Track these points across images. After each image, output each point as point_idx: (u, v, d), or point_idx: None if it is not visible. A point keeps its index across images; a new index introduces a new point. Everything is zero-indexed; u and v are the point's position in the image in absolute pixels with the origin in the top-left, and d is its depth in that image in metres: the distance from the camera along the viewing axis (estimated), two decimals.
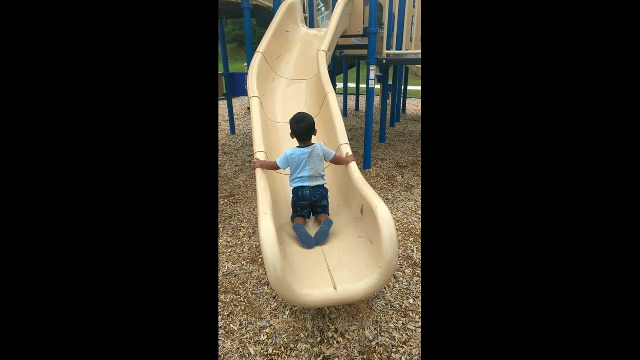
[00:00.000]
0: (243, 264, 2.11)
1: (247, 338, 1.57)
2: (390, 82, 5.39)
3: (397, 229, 2.43)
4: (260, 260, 2.14)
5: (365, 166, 3.68)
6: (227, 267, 2.09)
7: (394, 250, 1.45)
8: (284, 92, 2.83)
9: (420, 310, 1.72)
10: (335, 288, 1.45)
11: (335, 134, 2.21)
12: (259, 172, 1.86)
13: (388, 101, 5.53)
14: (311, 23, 4.18)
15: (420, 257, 2.15)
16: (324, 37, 2.74)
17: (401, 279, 1.95)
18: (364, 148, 3.71)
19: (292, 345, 1.52)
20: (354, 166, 1.95)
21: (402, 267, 2.05)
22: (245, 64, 3.51)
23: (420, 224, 2.55)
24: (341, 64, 5.77)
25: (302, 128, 1.93)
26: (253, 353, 1.49)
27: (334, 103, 2.35)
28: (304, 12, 4.10)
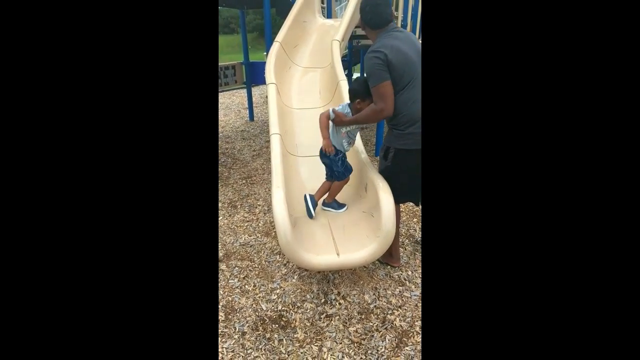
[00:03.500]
0: (258, 236, 2.32)
1: (260, 297, 1.78)
2: None
3: (403, 210, 2.59)
4: (273, 233, 2.34)
5: (376, 153, 3.81)
6: (243, 238, 2.30)
7: (392, 222, 1.62)
8: (300, 80, 2.99)
9: (417, 281, 1.88)
10: (338, 254, 1.63)
11: None
12: (274, 152, 2.04)
13: None
14: (328, 14, 4.30)
15: (420, 236, 2.30)
16: (339, 28, 2.88)
17: (402, 254, 2.11)
18: (376, 136, 3.84)
19: (298, 304, 1.72)
20: (360, 147, 2.11)
21: (403, 244, 2.21)
22: (265, 53, 3.68)
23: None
24: (359, 53, 5.86)
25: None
26: (264, 308, 1.70)
27: (346, 91, 2.50)
28: (322, 3, 4.22)
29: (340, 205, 2.02)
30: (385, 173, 1.81)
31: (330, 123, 1.88)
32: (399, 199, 1.77)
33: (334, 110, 1.84)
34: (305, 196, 1.96)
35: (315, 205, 1.95)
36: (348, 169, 1.97)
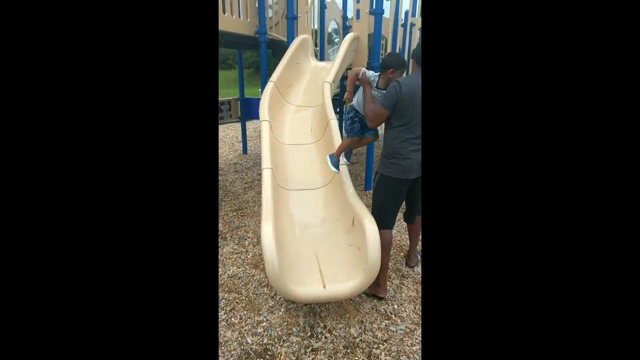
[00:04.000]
0: (246, 268, 2.34)
1: (245, 330, 1.78)
2: None
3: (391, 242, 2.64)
4: (262, 265, 2.36)
5: (366, 187, 3.92)
6: (232, 270, 2.31)
7: (377, 256, 1.67)
8: (293, 117, 3.13)
9: (402, 314, 1.90)
10: (324, 287, 1.67)
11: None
12: (265, 186, 2.11)
13: None
14: (322, 56, 4.56)
15: (406, 270, 2.35)
16: (330, 70, 3.07)
17: (389, 287, 2.14)
18: (366, 171, 3.96)
19: (284, 338, 1.72)
20: (348, 182, 2.20)
21: (390, 278, 2.25)
22: (260, 90, 3.86)
23: None
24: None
25: None
26: (250, 342, 1.70)
27: (336, 129, 2.63)
28: (315, 46, 4.49)
29: (335, 164, 2.14)
30: (374, 194, 2.04)
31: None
32: (382, 219, 1.92)
33: (363, 73, 2.04)
34: (327, 157, 2.16)
35: (337, 161, 2.14)
36: (354, 130, 2.19)
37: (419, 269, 2.36)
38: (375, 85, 2.04)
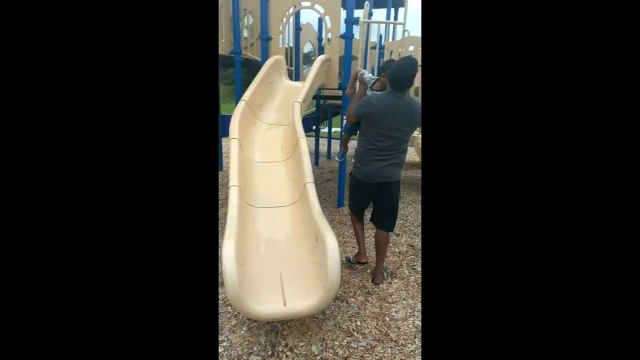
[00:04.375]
0: None
1: None
2: None
3: (366, 261, 2.68)
4: None
5: (338, 204, 3.97)
6: None
7: (336, 274, 1.71)
8: (264, 135, 3.18)
9: (364, 331, 1.93)
10: (284, 304, 1.68)
11: (303, 173, 2.53)
12: (230, 204, 2.13)
13: None
14: (296, 76, 4.67)
15: (372, 286, 2.38)
16: (301, 90, 3.16)
17: (353, 304, 2.17)
18: (338, 188, 4.02)
19: (245, 357, 1.71)
20: (313, 200, 2.24)
21: (355, 294, 2.28)
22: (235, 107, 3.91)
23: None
24: (326, 111, 6.29)
25: None
26: None
27: (304, 147, 2.69)
28: (290, 66, 4.60)
29: (340, 155, 2.97)
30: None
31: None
32: (353, 208, 2.53)
33: (362, 73, 2.43)
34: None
35: (342, 153, 2.92)
36: (346, 127, 2.59)
37: (384, 286, 2.40)
38: (370, 86, 2.39)
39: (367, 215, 2.60)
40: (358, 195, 2.40)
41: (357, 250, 2.64)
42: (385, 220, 2.34)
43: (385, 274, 2.50)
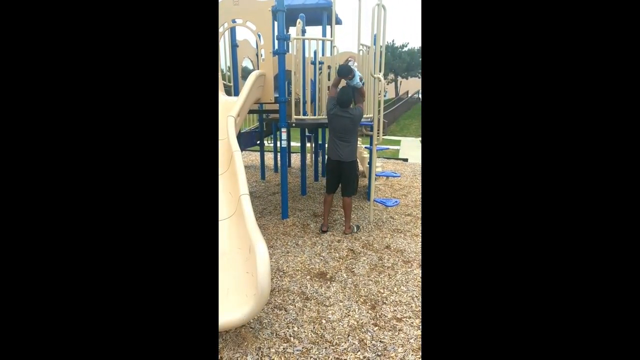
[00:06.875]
0: None
1: None
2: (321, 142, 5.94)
3: (299, 269, 2.74)
4: None
5: (283, 216, 4.01)
6: None
7: (266, 281, 1.75)
8: None
9: (301, 336, 1.98)
10: None
11: (238, 185, 2.56)
12: None
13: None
14: (236, 91, 4.69)
15: (311, 292, 2.45)
16: (235, 105, 3.20)
17: (291, 311, 2.21)
18: (282, 200, 4.07)
19: None
20: (248, 212, 2.28)
21: (293, 301, 2.32)
22: None
23: (320, 265, 2.87)
24: (270, 126, 6.35)
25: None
26: None
27: (239, 160, 2.73)
28: (229, 82, 4.63)
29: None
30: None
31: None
32: (327, 187, 3.58)
33: (351, 62, 3.37)
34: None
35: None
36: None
37: (322, 290, 2.47)
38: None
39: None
40: (329, 172, 3.49)
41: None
42: (347, 189, 3.45)
43: (355, 229, 3.58)
